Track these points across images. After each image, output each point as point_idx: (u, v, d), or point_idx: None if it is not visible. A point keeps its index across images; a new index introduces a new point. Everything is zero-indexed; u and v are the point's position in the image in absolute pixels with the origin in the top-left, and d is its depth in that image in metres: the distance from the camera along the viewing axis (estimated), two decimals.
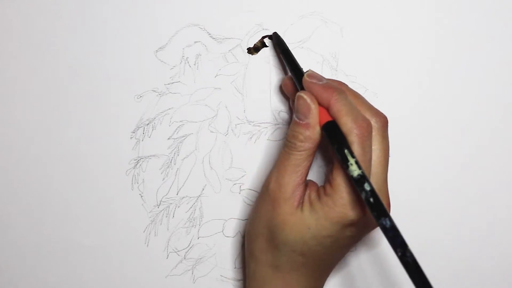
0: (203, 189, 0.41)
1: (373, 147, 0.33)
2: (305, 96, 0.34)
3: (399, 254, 0.27)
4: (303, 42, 0.41)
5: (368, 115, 0.34)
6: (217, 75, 0.41)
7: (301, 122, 0.34)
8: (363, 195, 0.29)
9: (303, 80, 0.35)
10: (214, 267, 0.42)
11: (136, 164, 0.41)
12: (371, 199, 0.29)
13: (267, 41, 0.41)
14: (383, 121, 0.34)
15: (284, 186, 0.34)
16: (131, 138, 0.41)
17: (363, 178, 0.30)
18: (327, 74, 0.41)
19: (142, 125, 0.41)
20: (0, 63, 0.41)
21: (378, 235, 0.42)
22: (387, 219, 0.28)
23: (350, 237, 0.34)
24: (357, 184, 0.30)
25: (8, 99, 0.41)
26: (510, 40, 0.41)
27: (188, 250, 0.42)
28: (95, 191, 0.41)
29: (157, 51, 0.41)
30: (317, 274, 0.36)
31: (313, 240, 0.34)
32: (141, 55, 0.41)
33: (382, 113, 0.34)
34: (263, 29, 0.41)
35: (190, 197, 0.41)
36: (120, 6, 0.40)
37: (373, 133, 0.33)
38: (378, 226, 0.32)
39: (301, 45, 0.41)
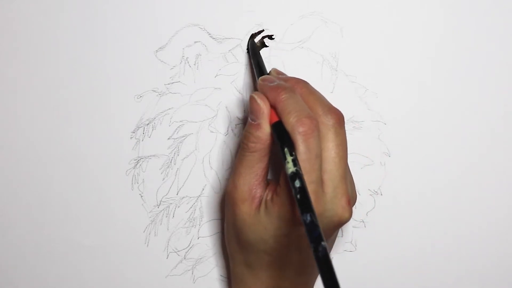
0: (203, 189, 0.41)
1: (326, 144, 0.33)
2: (255, 97, 0.34)
3: (312, 248, 0.27)
4: (303, 42, 0.41)
5: (321, 112, 0.34)
6: (217, 75, 0.41)
7: (253, 123, 0.34)
8: (293, 192, 0.30)
9: (258, 83, 0.35)
10: (214, 267, 0.42)
11: (136, 164, 0.41)
12: (298, 196, 0.30)
13: (267, 41, 0.41)
14: (336, 118, 0.33)
15: (240, 188, 0.35)
16: (131, 138, 0.41)
17: (295, 176, 0.30)
18: (327, 74, 0.41)
19: (142, 125, 0.41)
20: (0, 63, 0.41)
21: (378, 236, 0.42)
22: (308, 215, 0.29)
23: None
24: (290, 181, 0.30)
25: (8, 99, 0.41)
26: (510, 40, 0.41)
27: (188, 250, 0.42)
28: (95, 191, 0.41)
29: (157, 51, 0.41)
30: (292, 274, 0.36)
31: (273, 239, 0.34)
32: (141, 55, 0.41)
33: (336, 110, 0.34)
34: (263, 29, 0.41)
35: (190, 197, 0.41)
36: (120, 6, 0.40)
37: (325, 130, 0.33)
38: (335, 226, 0.34)
39: (301, 45, 0.41)
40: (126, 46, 0.41)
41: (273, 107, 0.34)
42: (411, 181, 0.42)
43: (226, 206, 0.37)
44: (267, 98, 0.34)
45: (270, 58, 0.41)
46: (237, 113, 0.41)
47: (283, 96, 0.33)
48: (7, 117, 0.41)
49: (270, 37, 0.41)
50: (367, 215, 0.42)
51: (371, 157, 0.41)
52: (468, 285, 0.42)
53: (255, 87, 0.39)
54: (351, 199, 0.34)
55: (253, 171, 0.34)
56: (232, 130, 0.41)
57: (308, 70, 0.41)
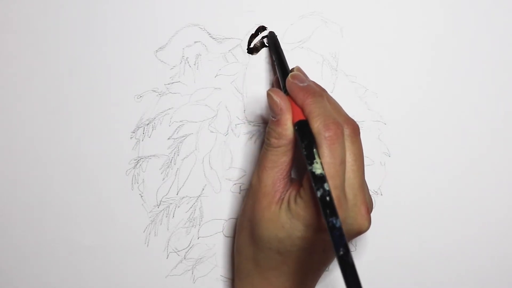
0: (203, 189, 0.41)
1: None
2: (272, 94, 0.34)
3: (341, 253, 0.27)
4: (303, 42, 0.41)
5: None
6: (217, 75, 0.41)
7: (273, 119, 0.34)
8: (319, 193, 0.30)
9: (287, 79, 0.35)
10: (214, 267, 0.42)
11: (136, 164, 0.41)
12: (327, 198, 0.30)
13: (267, 41, 0.41)
14: (352, 128, 0.34)
15: (263, 181, 0.35)
16: (131, 138, 0.41)
17: (324, 178, 0.30)
18: (327, 74, 0.41)
19: (142, 125, 0.41)
20: (0, 63, 0.41)
21: (378, 236, 0.42)
22: (338, 219, 0.29)
23: (326, 241, 0.34)
24: (318, 181, 0.30)
25: (9, 99, 0.41)
26: (510, 40, 0.41)
27: (188, 250, 0.42)
28: (95, 191, 0.41)
29: (157, 51, 0.41)
30: (299, 276, 0.36)
31: (288, 239, 0.34)
32: (141, 55, 0.41)
33: (352, 120, 0.34)
34: (263, 29, 0.41)
35: (190, 197, 0.41)
36: (120, 6, 0.40)
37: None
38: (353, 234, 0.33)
39: (301, 45, 0.41)
40: (126, 46, 0.41)
41: (300, 107, 0.34)
42: (411, 181, 0.42)
43: (247, 198, 0.37)
44: (295, 98, 0.34)
45: (270, 58, 0.41)
46: (237, 113, 0.41)
47: (312, 99, 0.33)
48: (7, 117, 0.41)
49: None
50: None
51: (371, 157, 0.41)
52: (468, 285, 0.42)
53: (275, 79, 0.39)
54: (369, 207, 0.34)
55: (277, 166, 0.35)
56: (232, 130, 0.41)
57: (308, 70, 0.40)
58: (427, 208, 0.42)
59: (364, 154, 0.41)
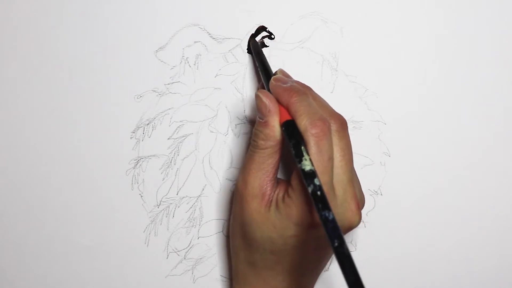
0: (203, 189, 0.41)
1: None
2: (260, 95, 0.34)
3: (336, 245, 0.27)
4: (303, 42, 0.41)
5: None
6: (217, 75, 0.41)
7: (261, 121, 0.34)
8: (310, 188, 0.30)
9: (270, 82, 0.35)
10: (214, 267, 0.42)
11: (136, 164, 0.41)
12: (319, 193, 0.30)
13: (267, 41, 0.41)
14: (339, 123, 0.34)
15: (250, 184, 0.35)
16: (131, 138, 0.41)
17: (314, 173, 0.30)
18: (327, 74, 0.41)
19: (142, 125, 0.41)
20: (0, 63, 0.41)
21: (378, 236, 0.42)
22: (330, 212, 0.29)
23: (318, 238, 0.34)
24: (308, 177, 0.30)
25: (9, 99, 0.41)
26: (510, 40, 0.41)
27: (188, 250, 0.42)
28: (95, 191, 0.41)
29: (157, 51, 0.41)
30: (295, 276, 0.36)
31: (280, 239, 0.34)
32: (141, 55, 0.41)
33: (338, 115, 0.34)
34: (263, 25, 0.41)
35: (190, 197, 0.41)
36: (120, 6, 0.40)
37: None
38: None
39: (301, 45, 0.41)
40: (126, 46, 0.41)
41: (285, 107, 0.34)
42: (411, 181, 0.42)
43: (234, 202, 0.37)
44: (280, 99, 0.34)
45: (270, 58, 0.41)
46: (237, 113, 0.41)
47: (296, 98, 0.33)
48: (7, 117, 0.41)
49: (270, 36, 0.41)
50: (367, 215, 0.42)
51: (371, 157, 0.41)
52: (468, 285, 0.42)
53: (261, 86, 0.39)
54: (360, 203, 0.34)
55: (263, 168, 0.35)
56: (232, 130, 0.41)
57: (308, 70, 0.41)
58: (427, 208, 0.42)
59: (364, 154, 0.41)
